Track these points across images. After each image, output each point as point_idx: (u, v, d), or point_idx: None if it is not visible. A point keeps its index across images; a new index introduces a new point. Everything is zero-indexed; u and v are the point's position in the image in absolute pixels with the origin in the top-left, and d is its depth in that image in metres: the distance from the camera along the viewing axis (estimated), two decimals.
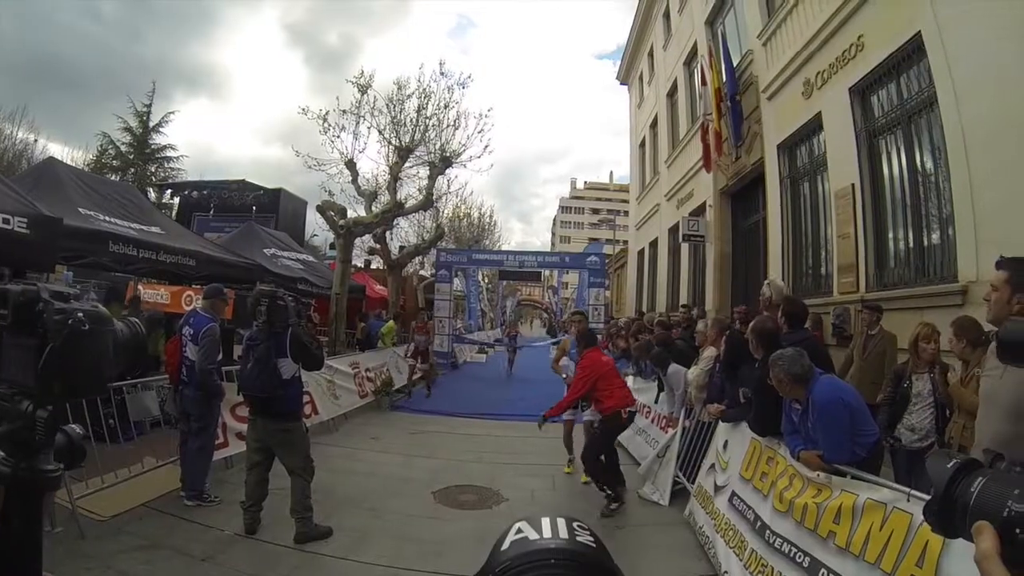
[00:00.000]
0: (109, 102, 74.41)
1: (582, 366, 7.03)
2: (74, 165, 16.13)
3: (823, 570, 3.58)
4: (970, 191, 6.56)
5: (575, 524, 0.88)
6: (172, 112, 45.57)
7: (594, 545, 0.86)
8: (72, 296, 1.19)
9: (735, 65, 13.44)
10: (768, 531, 4.33)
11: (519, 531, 0.87)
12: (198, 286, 9.92)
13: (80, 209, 8.02)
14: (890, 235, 8.52)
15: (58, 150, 29.82)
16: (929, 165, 7.69)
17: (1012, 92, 6.06)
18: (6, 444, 1.07)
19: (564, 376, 8.81)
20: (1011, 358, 1.58)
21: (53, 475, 1.12)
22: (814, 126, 10.44)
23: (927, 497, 2.91)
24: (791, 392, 4.27)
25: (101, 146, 31.10)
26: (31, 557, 1.10)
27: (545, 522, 0.88)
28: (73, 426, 1.29)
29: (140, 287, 11.48)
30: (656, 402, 8.53)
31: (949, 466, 0.94)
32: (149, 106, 32.32)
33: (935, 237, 7.59)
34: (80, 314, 1.14)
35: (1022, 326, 1.73)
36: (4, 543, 1.05)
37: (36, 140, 28.02)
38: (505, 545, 0.85)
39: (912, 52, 7.69)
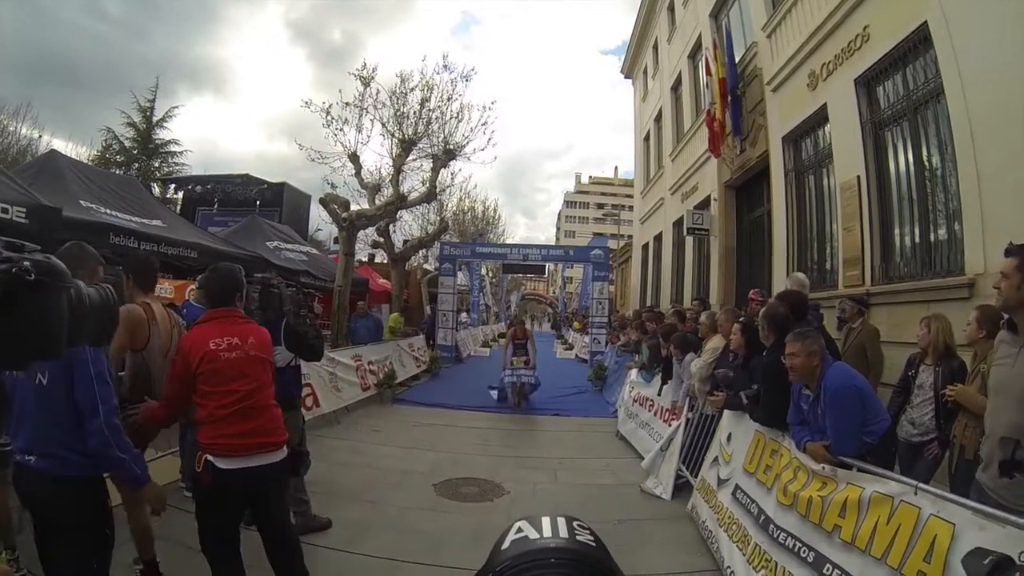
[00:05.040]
0: (113, 98, 74.79)
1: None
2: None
3: (828, 565, 3.52)
4: (977, 183, 6.49)
5: (575, 523, 0.90)
6: (176, 107, 45.61)
7: (594, 544, 0.87)
8: (29, 249, 1.12)
9: (739, 59, 13.44)
10: (772, 525, 4.28)
11: (519, 530, 0.88)
12: None
13: (81, 201, 8.04)
14: (896, 228, 8.44)
15: (62, 146, 29.58)
16: (936, 157, 7.61)
17: (1020, 82, 5.97)
18: None
19: None
20: None
21: (3, 449, 1.05)
22: (819, 118, 10.36)
23: (936, 491, 2.88)
24: (810, 374, 4.19)
25: (105, 141, 31.09)
26: None
27: (545, 521, 0.90)
28: None
29: None
30: (659, 394, 8.49)
31: (986, 563, 0.92)
32: (153, 101, 32.34)
33: (942, 230, 7.51)
34: (27, 263, 1.06)
35: None
36: None
37: (40, 136, 27.91)
38: (505, 544, 0.86)
39: (918, 42, 7.60)
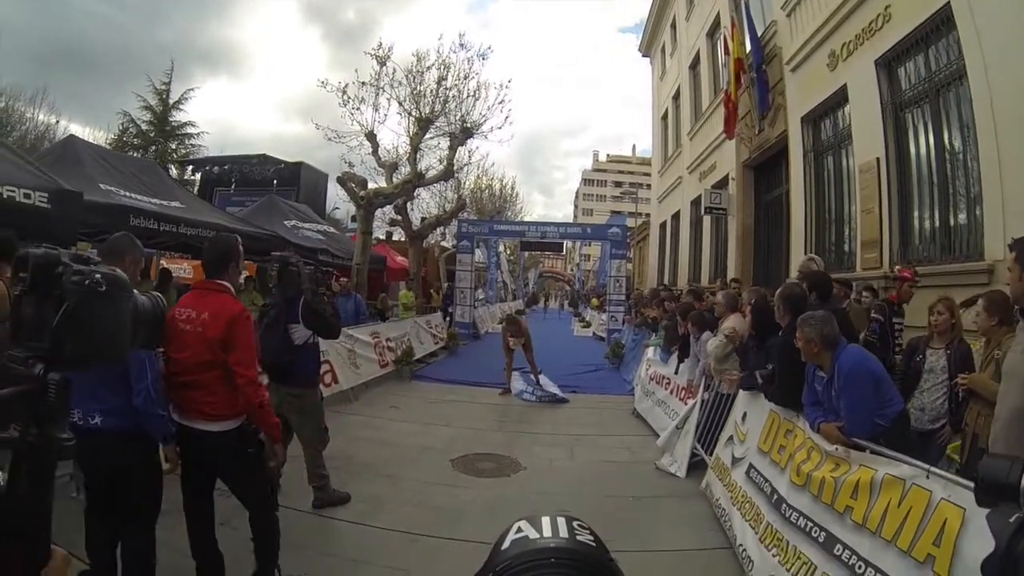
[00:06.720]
0: (129, 83, 73.42)
1: None
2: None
3: (839, 545, 3.57)
4: (999, 167, 6.44)
5: (575, 523, 0.90)
6: (192, 89, 44.49)
7: (594, 544, 0.87)
8: (94, 261, 1.20)
9: (759, 35, 13.24)
10: (784, 505, 4.33)
11: (519, 530, 0.88)
12: None
13: (101, 184, 8.09)
14: (915, 211, 8.40)
15: (79, 131, 29.30)
16: (957, 140, 7.55)
17: None
18: (18, 407, 1.07)
19: None
20: None
21: (67, 443, 1.11)
22: (839, 99, 10.28)
23: (948, 475, 2.84)
24: (818, 357, 4.22)
25: (122, 125, 30.79)
26: (39, 526, 1.10)
27: (545, 521, 0.89)
28: None
29: (163, 262, 11.54)
30: (676, 373, 8.52)
31: (1012, 520, 0.92)
32: (168, 84, 31.92)
33: (961, 214, 7.48)
34: (98, 275, 1.15)
35: None
36: (12, 510, 1.04)
37: (57, 122, 27.89)
38: (505, 544, 0.87)
39: (941, 23, 7.52)
